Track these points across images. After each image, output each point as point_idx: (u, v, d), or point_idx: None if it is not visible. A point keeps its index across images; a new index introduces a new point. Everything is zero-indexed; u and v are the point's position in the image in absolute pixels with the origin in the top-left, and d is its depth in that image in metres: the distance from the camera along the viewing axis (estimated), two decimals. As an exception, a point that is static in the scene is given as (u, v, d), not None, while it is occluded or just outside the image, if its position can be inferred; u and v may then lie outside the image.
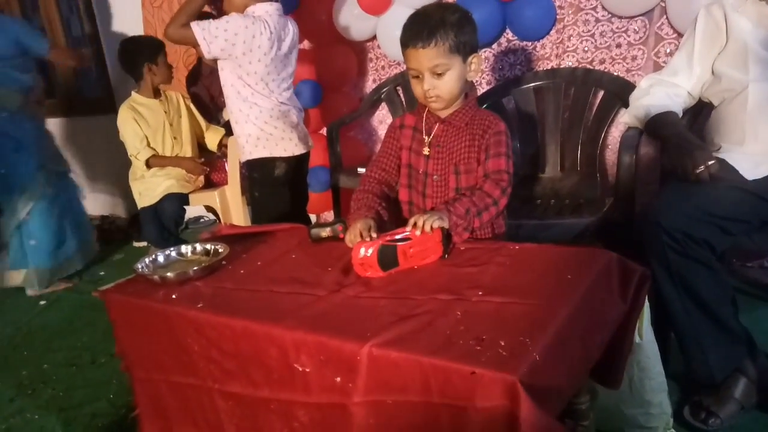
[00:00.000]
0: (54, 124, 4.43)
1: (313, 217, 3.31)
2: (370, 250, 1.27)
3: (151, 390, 1.37)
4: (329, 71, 2.97)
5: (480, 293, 1.12)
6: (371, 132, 3.15)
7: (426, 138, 1.56)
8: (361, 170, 2.76)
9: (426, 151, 1.55)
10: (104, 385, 2.02)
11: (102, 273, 3.20)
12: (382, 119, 3.09)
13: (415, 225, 1.31)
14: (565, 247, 1.29)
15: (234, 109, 2.16)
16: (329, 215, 3.22)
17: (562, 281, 1.13)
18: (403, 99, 2.91)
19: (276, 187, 2.22)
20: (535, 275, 1.17)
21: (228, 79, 2.12)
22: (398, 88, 2.91)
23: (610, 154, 2.43)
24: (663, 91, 1.77)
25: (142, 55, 2.70)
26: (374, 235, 1.38)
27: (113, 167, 3.96)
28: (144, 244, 3.37)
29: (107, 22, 3.79)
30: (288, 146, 2.19)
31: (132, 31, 2.97)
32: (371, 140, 3.16)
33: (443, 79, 1.44)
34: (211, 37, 2.00)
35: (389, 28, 2.62)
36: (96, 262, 3.39)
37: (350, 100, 3.06)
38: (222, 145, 2.91)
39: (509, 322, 0.99)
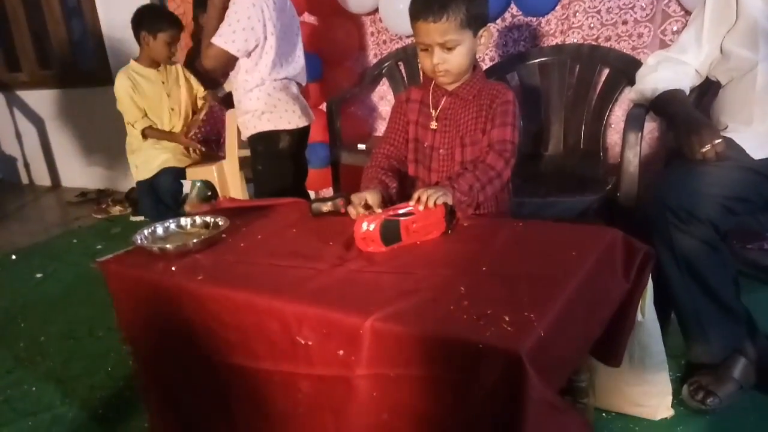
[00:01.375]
0: (48, 96, 4.39)
1: (312, 194, 3.29)
2: (373, 225, 1.25)
3: (153, 362, 1.37)
4: (329, 45, 2.92)
5: (484, 269, 1.10)
6: (372, 108, 3.11)
7: (433, 112, 1.53)
8: (361, 146, 2.74)
9: (433, 125, 1.53)
10: (102, 358, 2.01)
11: (99, 247, 3.18)
12: (383, 95, 3.06)
13: (418, 200, 1.29)
14: (569, 224, 1.28)
15: (239, 85, 2.14)
16: (328, 192, 3.20)
17: (567, 258, 1.11)
18: (404, 74, 2.87)
19: (280, 160, 2.21)
20: (540, 252, 1.16)
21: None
22: (400, 63, 2.87)
23: (613, 133, 2.40)
24: (671, 69, 1.74)
25: (145, 22, 2.63)
26: (378, 210, 1.36)
27: (110, 140, 3.92)
28: (142, 218, 3.35)
29: (104, -9, 3.72)
30: (292, 119, 2.17)
31: (131, 1, 2.91)
32: (372, 116, 3.13)
33: (453, 53, 1.42)
34: (233, 37, 1.97)
35: (392, 0, 2.57)
36: (94, 235, 3.37)
37: (351, 75, 3.02)
38: (202, 99, 2.85)
39: (513, 298, 0.98)
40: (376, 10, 2.77)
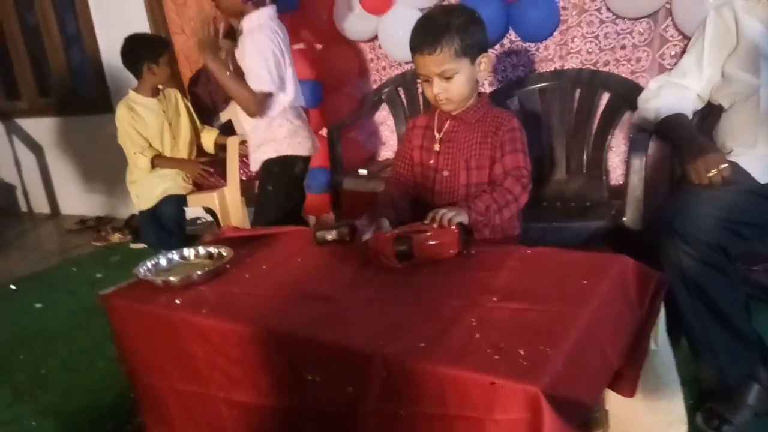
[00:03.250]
0: (48, 124, 4.40)
1: (311, 219, 3.28)
2: (387, 241, 1.26)
3: (155, 397, 1.33)
4: (329, 71, 2.94)
5: (494, 299, 1.08)
6: (372, 133, 3.12)
7: (437, 135, 1.56)
8: (362, 171, 2.74)
9: (436, 147, 1.55)
10: (103, 391, 1.97)
11: (99, 275, 3.15)
12: (383, 120, 3.06)
13: (433, 219, 1.30)
14: (579, 251, 1.27)
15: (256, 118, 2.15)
16: (329, 217, 3.19)
17: (579, 287, 1.10)
18: (404, 99, 2.88)
19: (290, 185, 2.23)
20: (550, 280, 1.14)
21: None
22: (399, 88, 2.88)
23: (614, 156, 2.41)
24: (672, 93, 1.75)
25: (143, 53, 2.64)
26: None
27: (109, 167, 3.91)
28: (142, 246, 3.33)
29: (104, 19, 3.74)
30: (307, 145, 2.22)
31: (131, 28, 2.92)
32: (372, 141, 3.13)
33: (452, 82, 1.44)
34: (268, 77, 2.02)
35: (391, 28, 2.59)
36: (93, 263, 3.35)
37: (351, 101, 3.02)
38: (218, 145, 2.86)
39: (527, 330, 0.96)
40: (376, 37, 2.79)
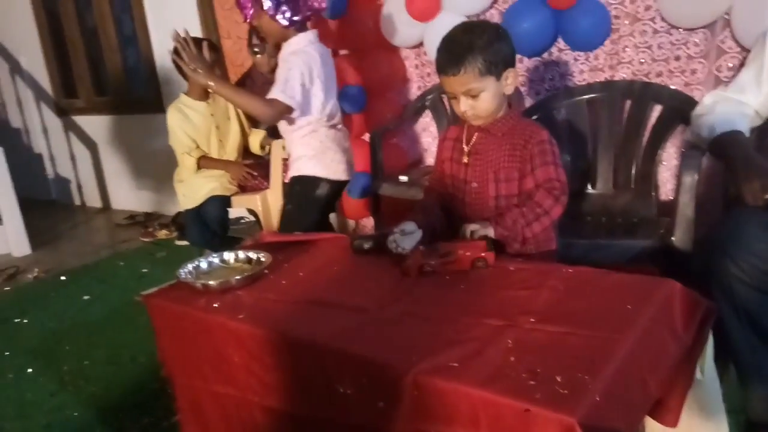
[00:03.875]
0: (102, 121, 4.56)
1: (351, 223, 3.30)
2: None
3: (192, 397, 1.36)
4: (374, 77, 2.94)
5: (532, 320, 1.06)
6: (414, 139, 3.10)
7: (466, 147, 1.56)
8: (403, 178, 2.73)
9: (465, 159, 1.56)
10: (142, 387, 2.03)
11: (144, 270, 3.25)
12: (425, 126, 3.05)
13: (462, 235, 1.38)
14: (624, 273, 1.22)
15: (293, 131, 2.17)
16: (368, 221, 3.20)
17: (622, 311, 1.06)
18: (447, 106, 2.85)
19: (311, 206, 2.22)
20: (592, 303, 1.11)
21: None
22: (443, 95, 2.86)
23: (664, 170, 2.32)
24: (729, 109, 1.67)
25: None
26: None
27: (159, 165, 4.03)
28: (186, 243, 3.40)
29: (159, 22, 3.85)
30: (337, 170, 2.21)
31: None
32: (414, 148, 3.11)
33: (479, 99, 1.46)
34: (293, 93, 2.00)
35: (436, 34, 2.55)
36: (140, 258, 3.45)
37: (394, 106, 3.02)
38: (263, 146, 2.90)
39: (565, 355, 0.94)
40: (421, 44, 2.78)
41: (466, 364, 0.94)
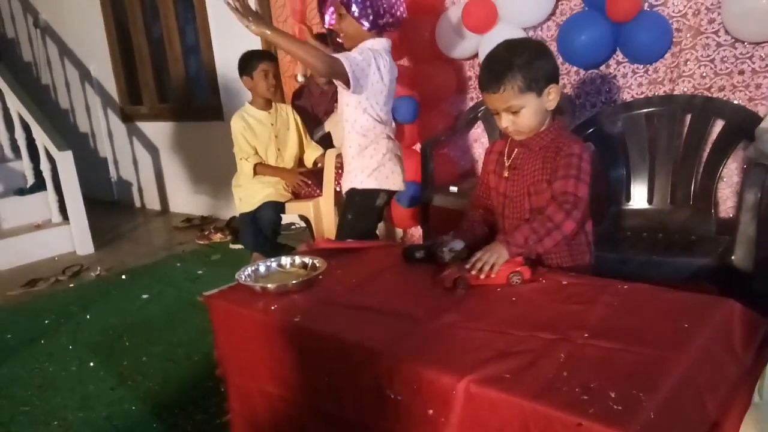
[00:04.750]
0: (165, 128, 4.76)
1: (399, 232, 3.32)
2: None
3: (245, 397, 1.41)
4: (427, 88, 2.96)
5: (586, 335, 1.06)
6: (465, 150, 3.11)
7: (507, 161, 1.58)
8: (453, 189, 2.74)
9: (506, 173, 1.57)
10: (197, 384, 2.10)
11: (200, 272, 3.35)
12: (477, 138, 3.05)
13: (472, 267, 1.34)
14: (680, 291, 1.20)
15: (353, 144, 2.21)
16: (415, 230, 3.21)
17: (679, 330, 1.04)
18: (501, 119, 2.85)
19: (370, 216, 2.26)
20: (647, 320, 1.10)
21: (352, 114, 2.17)
22: (497, 107, 2.86)
23: (725, 187, 2.25)
24: (796, 126, 1.62)
25: (241, 69, 2.84)
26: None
27: (216, 171, 4.17)
28: (240, 247, 3.51)
29: (221, 32, 3.99)
30: (396, 181, 2.24)
31: (246, 42, 3.11)
32: (465, 159, 3.12)
33: (520, 115, 1.47)
34: (356, 65, 2.01)
35: (492, 46, 2.59)
36: (195, 260, 3.57)
37: (446, 117, 3.04)
38: (316, 164, 2.98)
39: (619, 372, 0.93)
40: (476, 56, 2.79)
41: (519, 376, 0.95)
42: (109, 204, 5.35)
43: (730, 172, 2.23)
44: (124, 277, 3.39)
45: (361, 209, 2.23)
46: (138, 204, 5.31)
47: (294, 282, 1.38)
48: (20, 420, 1.99)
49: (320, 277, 1.45)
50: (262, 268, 1.51)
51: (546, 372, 0.95)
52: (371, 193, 2.22)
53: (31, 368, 2.35)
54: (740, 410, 1.14)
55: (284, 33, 2.05)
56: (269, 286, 1.38)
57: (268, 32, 1.95)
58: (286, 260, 1.54)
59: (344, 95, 2.16)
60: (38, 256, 3.81)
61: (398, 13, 2.14)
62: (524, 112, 1.45)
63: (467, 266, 1.34)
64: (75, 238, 3.95)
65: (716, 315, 1.09)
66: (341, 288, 1.40)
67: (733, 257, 1.72)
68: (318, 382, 1.21)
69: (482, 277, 1.32)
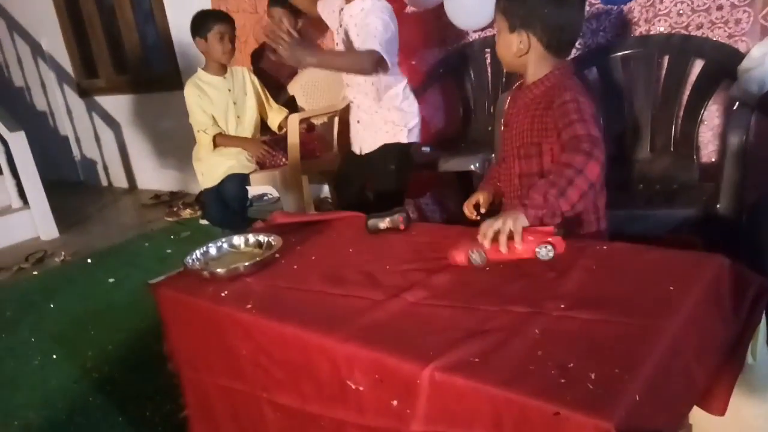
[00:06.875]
0: (124, 101, 4.53)
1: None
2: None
3: (200, 392, 1.30)
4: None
5: (562, 306, 0.96)
6: (437, 108, 2.97)
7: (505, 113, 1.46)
8: (426, 149, 2.61)
9: (502, 127, 1.46)
10: (165, 371, 1.97)
11: (169, 251, 3.22)
12: (449, 94, 2.91)
13: (485, 236, 1.14)
14: (665, 249, 1.10)
15: (385, 102, 2.10)
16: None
17: (664, 294, 0.95)
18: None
19: (407, 171, 2.20)
20: (630, 285, 1.00)
21: (370, 78, 2.04)
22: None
23: (706, 130, 2.16)
24: (781, 61, 1.51)
25: (194, 29, 2.62)
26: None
27: (182, 144, 3.96)
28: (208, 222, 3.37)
29: (174, -4, 3.76)
30: (417, 134, 2.18)
31: (198, 6, 2.90)
32: (437, 117, 2.98)
33: (498, 36, 1.40)
34: (390, 47, 1.94)
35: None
36: (165, 239, 3.43)
37: (414, 74, 2.88)
38: (281, 127, 2.80)
39: (600, 347, 0.83)
40: (441, 5, 2.63)
41: (488, 359, 0.85)
42: (74, 185, 5.16)
43: (711, 115, 2.13)
44: (89, 261, 3.24)
45: (403, 170, 2.17)
46: (105, 183, 5.12)
47: (246, 264, 1.26)
48: (-23, 422, 1.88)
49: (276, 256, 1.33)
50: (212, 250, 1.39)
51: (518, 353, 0.85)
52: (408, 149, 2.16)
53: (-10, 365, 2.24)
54: (734, 373, 1.06)
55: (326, 52, 2.08)
56: (218, 270, 1.26)
57: (315, 60, 1.93)
58: (238, 240, 1.42)
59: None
60: (-1, 244, 3.65)
61: None
62: (500, 36, 1.39)
63: (478, 237, 1.13)
64: (37, 223, 3.78)
65: (704, 274, 0.99)
66: (299, 267, 1.29)
67: (718, 205, 1.63)
68: (275, 374, 1.10)
69: (503, 250, 1.10)
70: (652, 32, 2.22)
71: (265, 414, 1.13)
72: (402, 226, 1.39)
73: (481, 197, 1.52)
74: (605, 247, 1.15)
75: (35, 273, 3.20)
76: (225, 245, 1.41)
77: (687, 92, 2.11)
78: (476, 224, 1.18)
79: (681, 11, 2.16)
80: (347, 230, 1.46)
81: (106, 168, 5.04)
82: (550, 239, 1.09)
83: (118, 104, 4.62)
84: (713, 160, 2.13)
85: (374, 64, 1.90)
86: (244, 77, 2.79)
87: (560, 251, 1.10)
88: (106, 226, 4.00)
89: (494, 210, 1.52)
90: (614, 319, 0.90)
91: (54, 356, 2.22)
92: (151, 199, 4.35)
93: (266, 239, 1.39)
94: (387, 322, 1.00)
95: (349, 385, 0.96)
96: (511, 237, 1.10)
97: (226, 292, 1.21)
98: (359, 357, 0.95)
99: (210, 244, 1.40)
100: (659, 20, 2.21)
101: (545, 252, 1.10)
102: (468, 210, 1.52)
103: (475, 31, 2.66)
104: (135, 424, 1.75)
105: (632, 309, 0.92)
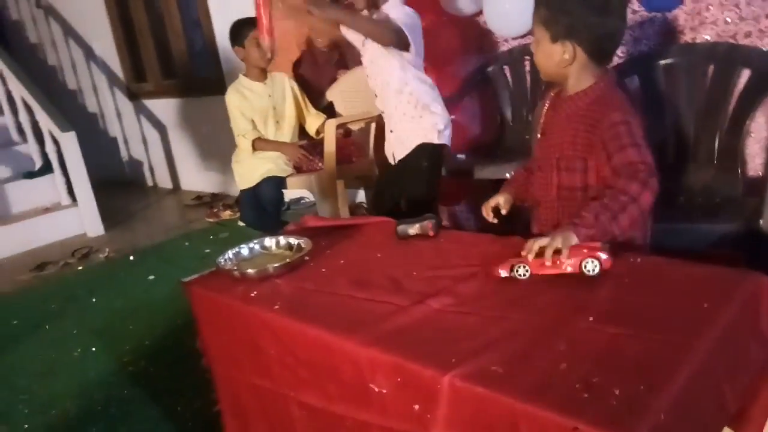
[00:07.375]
0: (171, 104, 4.67)
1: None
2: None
3: (231, 388, 1.33)
4: (430, 49, 2.80)
5: (590, 319, 0.94)
6: (474, 114, 2.95)
7: (542, 119, 1.43)
8: (461, 156, 2.61)
9: (538, 134, 1.43)
10: (199, 368, 2.02)
11: (207, 251, 3.29)
12: (487, 101, 2.89)
13: (531, 251, 1.12)
14: (701, 264, 1.07)
15: (418, 100, 2.14)
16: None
17: (697, 310, 0.92)
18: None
19: (438, 174, 2.24)
20: (662, 300, 0.97)
21: (402, 77, 2.12)
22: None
23: (755, 145, 2.08)
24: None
25: (232, 39, 2.69)
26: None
27: (224, 146, 4.03)
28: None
29: (220, 5, 3.85)
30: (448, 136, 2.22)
31: (244, 13, 2.97)
32: (474, 123, 2.96)
33: (536, 45, 1.37)
34: (410, 30, 2.02)
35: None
36: (204, 239, 3.50)
37: (452, 80, 2.87)
38: (318, 132, 2.84)
39: (626, 363, 0.81)
40: (480, 12, 2.62)
41: (510, 369, 0.84)
42: (121, 184, 5.32)
43: (759, 127, 2.06)
44: (132, 258, 3.34)
45: (435, 172, 2.21)
46: (150, 183, 5.27)
47: (275, 266, 1.28)
48: (18, 409, 1.95)
49: (306, 258, 1.35)
50: (245, 251, 1.42)
51: (542, 364, 0.84)
52: (440, 150, 2.19)
53: (33, 355, 2.33)
54: (769, 395, 1.02)
55: (352, 12, 2.11)
56: (249, 270, 1.28)
57: (344, 18, 2.06)
58: (270, 242, 1.44)
59: (388, 58, 2.10)
60: (48, 239, 3.79)
61: None
62: (539, 45, 1.36)
63: (522, 252, 1.13)
64: (84, 220, 3.92)
65: (741, 292, 0.96)
66: (327, 270, 1.30)
67: (761, 221, 1.57)
68: (301, 374, 1.12)
69: (547, 263, 1.09)
70: (697, 41, 2.16)
71: (293, 412, 1.15)
72: (431, 233, 1.39)
73: (501, 199, 1.49)
74: (639, 260, 1.12)
75: (80, 268, 3.32)
76: (257, 246, 1.44)
77: (732, 103, 2.04)
78: (504, 232, 1.17)
79: (728, 19, 2.09)
80: (377, 235, 1.47)
81: (151, 168, 5.20)
82: (597, 254, 1.06)
83: (164, 107, 4.76)
84: (760, 174, 2.06)
85: (395, 35, 1.99)
86: (284, 83, 2.84)
87: (606, 268, 1.06)
88: (149, 224, 4.12)
89: (514, 213, 1.50)
90: (643, 335, 0.87)
91: (93, 349, 2.30)
92: (193, 200, 4.45)
93: (297, 242, 1.41)
94: (410, 327, 1.01)
95: (371, 388, 0.97)
96: (557, 252, 1.09)
97: (255, 293, 1.23)
98: (381, 361, 0.95)
99: (242, 245, 1.43)
100: (705, 28, 2.14)
101: (591, 267, 1.06)
102: (486, 212, 1.50)
103: (514, 38, 2.64)
104: (167, 418, 1.80)
105: (663, 325, 0.89)
